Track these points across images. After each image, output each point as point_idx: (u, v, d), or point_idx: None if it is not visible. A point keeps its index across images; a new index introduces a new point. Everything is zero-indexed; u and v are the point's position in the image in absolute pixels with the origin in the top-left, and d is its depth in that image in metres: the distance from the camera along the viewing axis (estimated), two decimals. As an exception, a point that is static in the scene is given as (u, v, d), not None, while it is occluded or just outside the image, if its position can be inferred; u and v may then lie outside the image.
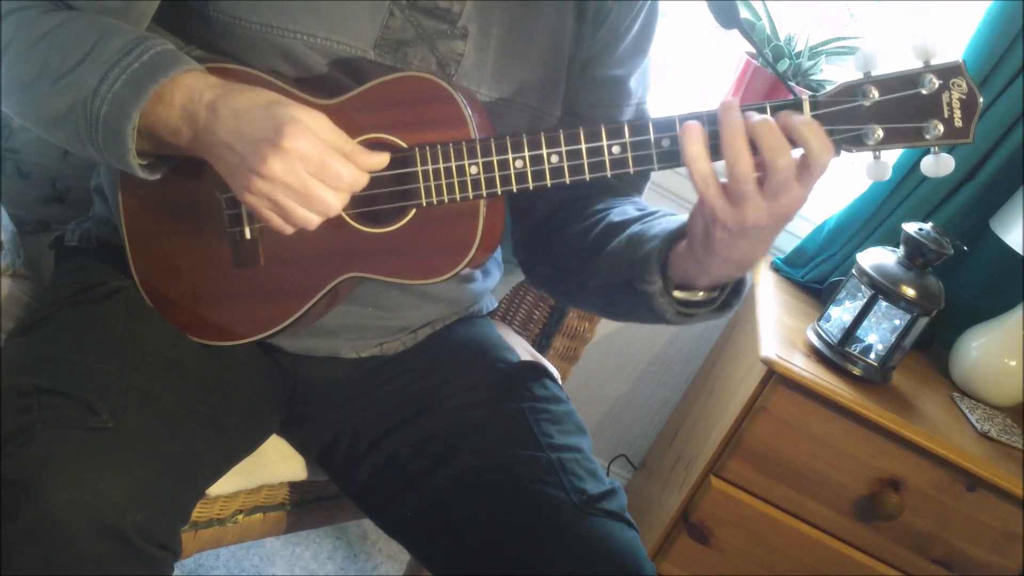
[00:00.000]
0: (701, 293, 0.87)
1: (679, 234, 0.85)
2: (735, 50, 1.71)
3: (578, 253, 0.96)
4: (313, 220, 0.81)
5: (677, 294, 0.86)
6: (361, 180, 0.82)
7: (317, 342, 1.03)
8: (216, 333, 0.95)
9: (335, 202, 0.80)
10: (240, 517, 1.10)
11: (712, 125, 0.76)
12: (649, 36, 1.03)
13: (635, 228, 0.90)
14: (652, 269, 0.84)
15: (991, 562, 1.37)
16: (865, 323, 1.36)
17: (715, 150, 0.77)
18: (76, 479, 0.75)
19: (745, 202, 0.75)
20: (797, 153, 0.75)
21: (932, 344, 1.60)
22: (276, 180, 0.78)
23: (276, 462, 1.08)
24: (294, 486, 1.14)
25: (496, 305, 1.24)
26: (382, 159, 0.84)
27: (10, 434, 0.77)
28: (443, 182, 0.85)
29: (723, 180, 0.77)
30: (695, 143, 0.76)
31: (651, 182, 1.08)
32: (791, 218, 0.78)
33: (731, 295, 0.87)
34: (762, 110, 0.77)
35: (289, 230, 0.82)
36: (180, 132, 0.82)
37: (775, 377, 1.34)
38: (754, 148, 0.74)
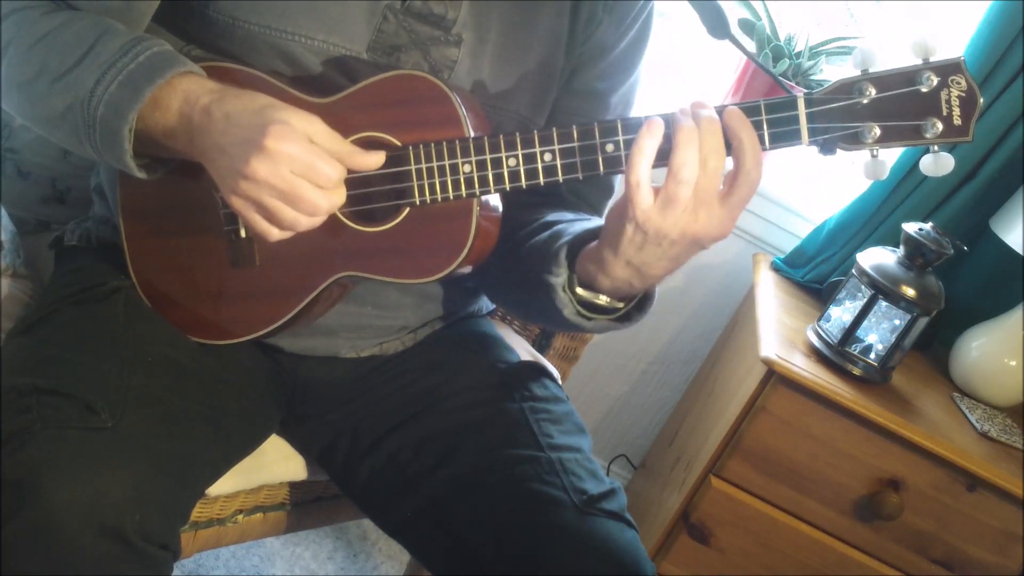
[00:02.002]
0: (603, 298, 0.88)
1: (595, 233, 0.86)
2: (735, 50, 1.70)
3: (506, 246, 0.96)
4: (301, 221, 0.81)
5: (579, 292, 0.88)
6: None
7: (317, 342, 1.03)
8: (214, 332, 0.95)
9: (323, 202, 0.80)
10: (240, 517, 1.10)
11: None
12: (639, 52, 1.03)
13: (560, 226, 0.92)
14: (559, 261, 0.86)
15: (991, 562, 1.37)
16: (865, 323, 1.36)
17: (664, 154, 0.77)
18: (76, 479, 0.75)
19: (671, 207, 0.76)
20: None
21: (932, 344, 1.60)
22: (261, 181, 0.78)
23: (276, 462, 1.07)
24: (294, 486, 1.14)
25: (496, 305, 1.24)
26: (378, 159, 0.84)
27: (10, 434, 0.77)
28: (436, 180, 0.84)
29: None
30: (652, 138, 0.77)
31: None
32: (704, 245, 0.79)
33: (634, 310, 0.89)
34: (756, 107, 0.77)
35: (275, 234, 0.82)
36: (176, 136, 0.82)
37: (775, 377, 1.34)
38: None
